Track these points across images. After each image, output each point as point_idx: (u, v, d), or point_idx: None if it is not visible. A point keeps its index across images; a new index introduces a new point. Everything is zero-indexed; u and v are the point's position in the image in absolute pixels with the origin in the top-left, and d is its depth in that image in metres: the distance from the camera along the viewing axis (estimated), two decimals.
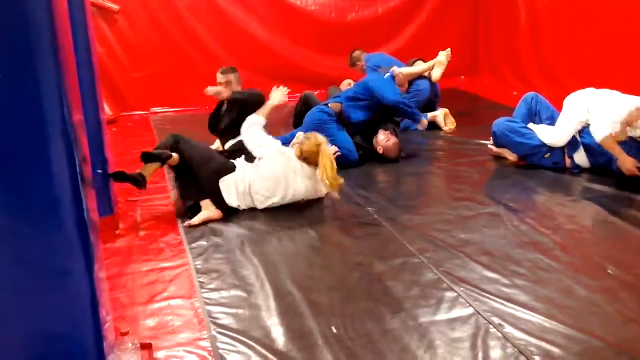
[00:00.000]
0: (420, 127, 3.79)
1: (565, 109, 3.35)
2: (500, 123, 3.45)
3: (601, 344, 1.84)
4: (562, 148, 3.33)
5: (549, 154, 3.32)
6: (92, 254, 1.49)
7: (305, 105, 3.98)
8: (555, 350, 1.81)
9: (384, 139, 3.57)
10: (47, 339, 1.47)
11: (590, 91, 3.33)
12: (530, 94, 3.64)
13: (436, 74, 4.27)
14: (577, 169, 3.32)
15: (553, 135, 3.33)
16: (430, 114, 4.25)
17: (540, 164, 3.38)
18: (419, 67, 4.28)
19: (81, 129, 1.50)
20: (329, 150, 2.86)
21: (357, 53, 4.53)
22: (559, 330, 1.91)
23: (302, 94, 4.18)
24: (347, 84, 4.50)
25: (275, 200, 2.87)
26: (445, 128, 4.25)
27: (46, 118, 1.35)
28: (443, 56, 4.27)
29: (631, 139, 3.14)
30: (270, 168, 2.85)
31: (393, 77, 3.84)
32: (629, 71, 3.88)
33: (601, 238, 2.63)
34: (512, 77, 5.25)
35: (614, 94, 3.23)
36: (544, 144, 3.32)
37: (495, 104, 4.88)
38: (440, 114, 4.28)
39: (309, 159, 2.87)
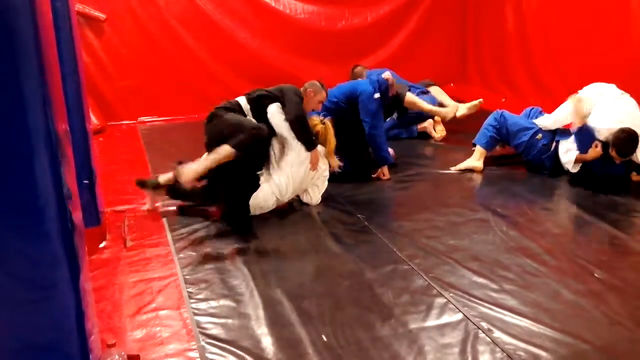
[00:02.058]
0: (381, 173, 3.42)
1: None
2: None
3: (588, 347, 1.86)
4: (553, 133, 3.40)
5: (540, 135, 3.40)
6: (77, 266, 1.47)
7: None
8: (543, 354, 1.83)
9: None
10: (31, 351, 1.44)
11: (606, 88, 3.41)
12: (499, 111, 3.64)
13: (444, 115, 4.12)
14: (551, 159, 3.35)
15: (546, 118, 3.47)
16: (420, 125, 4.27)
17: (530, 147, 3.40)
18: (428, 106, 4.11)
19: (67, 140, 1.49)
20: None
21: (358, 69, 4.45)
22: (546, 334, 1.92)
23: None
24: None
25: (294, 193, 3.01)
26: (437, 136, 4.26)
27: (30, 128, 1.33)
28: (465, 109, 4.12)
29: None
30: (297, 169, 2.93)
31: (387, 85, 3.67)
32: (616, 78, 3.94)
33: (587, 242, 2.66)
34: (500, 84, 5.32)
35: (616, 109, 3.25)
36: (537, 127, 3.43)
37: (484, 111, 4.92)
38: (429, 124, 4.29)
39: (320, 138, 3.06)
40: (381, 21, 5.46)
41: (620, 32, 4.00)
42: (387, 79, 3.51)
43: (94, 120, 4.25)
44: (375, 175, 3.46)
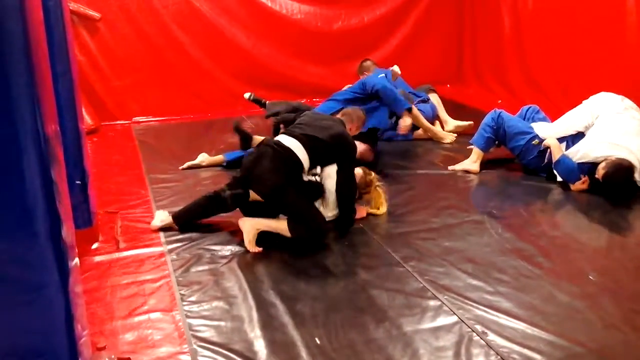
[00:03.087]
0: (402, 126, 3.75)
1: (578, 107, 3.39)
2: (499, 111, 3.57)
3: (582, 350, 1.86)
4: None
5: (537, 140, 3.37)
6: (67, 267, 1.45)
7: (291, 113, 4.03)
8: (537, 357, 1.82)
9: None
10: (19, 354, 1.42)
11: (611, 101, 3.28)
12: (497, 110, 3.60)
13: (441, 138, 4.13)
14: (549, 166, 3.32)
15: (546, 127, 3.42)
16: (416, 132, 4.24)
17: (525, 151, 3.38)
18: (428, 124, 4.15)
19: (57, 140, 1.47)
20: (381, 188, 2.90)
21: (368, 63, 4.44)
22: (541, 337, 1.91)
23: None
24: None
25: None
26: (447, 140, 4.16)
27: (19, 128, 1.31)
28: (451, 137, 4.15)
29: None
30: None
31: (389, 76, 3.87)
32: (612, 80, 3.94)
33: (583, 244, 2.66)
34: (496, 85, 5.32)
35: (609, 132, 3.13)
36: (534, 132, 3.40)
37: (480, 112, 4.92)
38: (422, 132, 4.22)
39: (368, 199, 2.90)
40: (378, 22, 5.44)
41: (616, 34, 4.00)
42: (393, 71, 3.86)
43: (87, 120, 4.22)
44: (399, 129, 3.73)
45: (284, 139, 2.63)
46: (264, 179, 2.50)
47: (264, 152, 2.58)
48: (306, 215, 2.56)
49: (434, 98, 4.42)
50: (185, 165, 3.61)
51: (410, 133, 4.25)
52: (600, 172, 3.03)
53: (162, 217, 2.75)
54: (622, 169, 3.00)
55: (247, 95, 4.53)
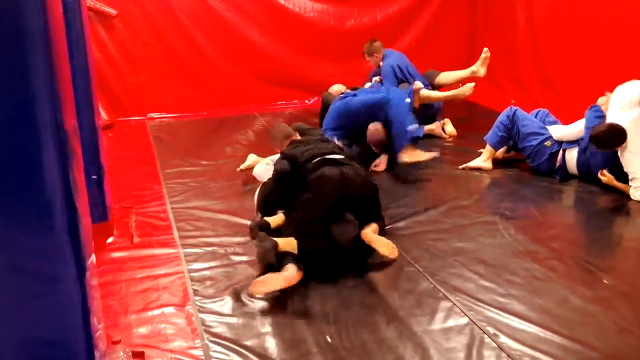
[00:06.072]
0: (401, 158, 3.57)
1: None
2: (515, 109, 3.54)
3: (596, 354, 1.84)
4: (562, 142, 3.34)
5: (550, 142, 3.34)
6: (84, 261, 1.48)
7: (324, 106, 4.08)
8: None
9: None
10: (36, 346, 1.45)
11: (622, 96, 3.20)
12: (513, 108, 3.57)
13: (462, 93, 4.09)
14: (562, 169, 3.31)
15: (558, 128, 3.39)
16: (427, 127, 4.23)
17: (536, 153, 3.35)
18: (442, 94, 4.13)
19: (75, 135, 1.49)
20: None
21: (377, 44, 4.36)
22: (554, 341, 1.90)
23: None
24: (336, 90, 4.39)
25: None
26: (446, 136, 4.20)
27: (39, 123, 1.33)
28: (482, 70, 4.21)
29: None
30: None
31: (412, 95, 3.77)
32: (627, 78, 3.88)
33: (597, 248, 2.63)
34: (509, 85, 5.28)
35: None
36: (548, 133, 3.37)
37: (493, 111, 4.88)
38: (436, 126, 4.22)
39: None
40: (390, 20, 5.43)
41: (635, 31, 3.94)
42: (416, 89, 3.78)
43: (103, 115, 4.27)
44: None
45: (339, 157, 2.57)
46: (362, 182, 2.52)
47: (343, 171, 2.48)
48: (380, 209, 2.68)
49: (444, 76, 4.40)
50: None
51: (420, 129, 4.23)
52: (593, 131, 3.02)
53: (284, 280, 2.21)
54: (614, 130, 2.96)
55: None
